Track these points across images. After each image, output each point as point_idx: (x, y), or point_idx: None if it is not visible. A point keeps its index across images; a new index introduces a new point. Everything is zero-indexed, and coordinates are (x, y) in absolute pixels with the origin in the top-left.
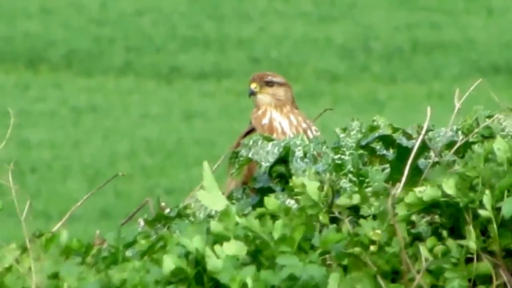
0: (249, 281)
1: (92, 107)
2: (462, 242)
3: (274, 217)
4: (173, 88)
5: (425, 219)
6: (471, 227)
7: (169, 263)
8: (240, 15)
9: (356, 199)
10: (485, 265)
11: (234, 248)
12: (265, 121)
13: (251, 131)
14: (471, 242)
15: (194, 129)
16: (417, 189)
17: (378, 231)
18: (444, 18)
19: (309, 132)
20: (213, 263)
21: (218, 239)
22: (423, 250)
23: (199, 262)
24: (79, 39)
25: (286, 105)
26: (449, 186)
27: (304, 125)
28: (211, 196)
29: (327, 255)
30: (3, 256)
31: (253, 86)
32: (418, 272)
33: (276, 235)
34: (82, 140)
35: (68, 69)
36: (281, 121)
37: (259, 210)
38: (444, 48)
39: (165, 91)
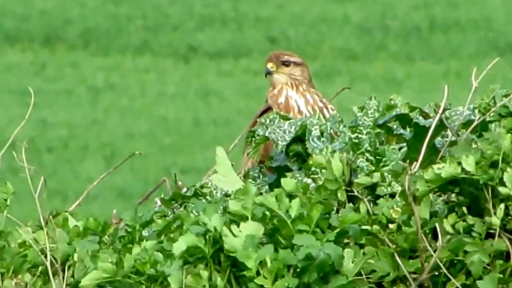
0: (268, 261)
1: (109, 86)
2: (485, 219)
3: (291, 196)
4: (190, 67)
5: (441, 198)
6: (491, 204)
7: (182, 243)
8: None
9: (376, 177)
10: (502, 243)
11: (251, 228)
12: (281, 100)
13: (267, 110)
14: (495, 217)
15: (211, 108)
16: (435, 166)
17: (398, 209)
18: None
19: (325, 111)
20: (230, 242)
21: (236, 218)
22: (446, 224)
23: (216, 241)
24: (96, 18)
25: (302, 84)
26: (469, 163)
27: (320, 104)
28: (226, 179)
29: (345, 235)
30: (19, 236)
31: (270, 65)
32: (435, 251)
33: (293, 214)
34: (99, 119)
35: (85, 48)
36: (297, 99)
37: (277, 190)
38: (462, 26)
39: (182, 70)
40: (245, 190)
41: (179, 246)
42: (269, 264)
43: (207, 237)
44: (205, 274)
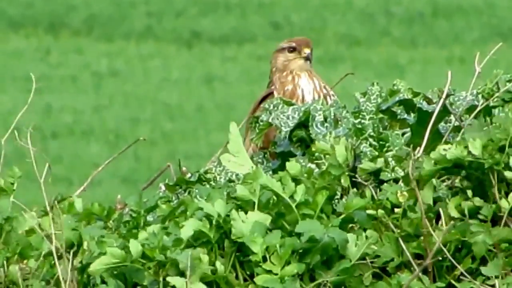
0: (276, 247)
1: (113, 72)
2: (487, 203)
3: (296, 180)
4: (194, 52)
5: (445, 184)
6: (496, 188)
7: (189, 228)
8: None
9: (379, 163)
10: (508, 229)
11: (258, 217)
12: (289, 87)
13: (268, 95)
14: (504, 201)
15: (215, 94)
16: (441, 147)
17: (405, 193)
18: None
19: (328, 98)
20: (239, 226)
21: (242, 203)
22: (450, 208)
23: (220, 226)
24: (100, 4)
25: (312, 70)
26: (475, 147)
27: (324, 91)
28: (236, 160)
29: (350, 220)
30: (24, 221)
31: (309, 50)
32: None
33: (297, 198)
34: (103, 105)
35: (89, 34)
36: (304, 88)
37: (281, 173)
38: (465, 12)
39: (185, 56)
40: (254, 174)
41: (186, 231)
42: (278, 250)
43: (213, 222)
44: (205, 258)
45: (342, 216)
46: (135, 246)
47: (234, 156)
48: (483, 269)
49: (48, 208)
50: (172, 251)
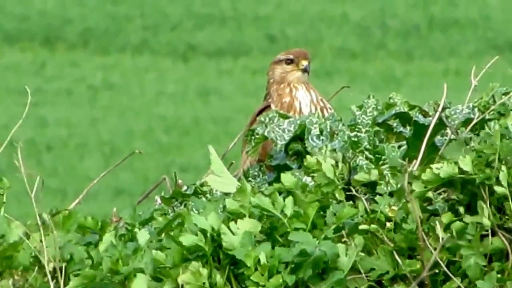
0: (263, 258)
1: (109, 85)
2: (476, 219)
3: (291, 193)
4: (189, 66)
5: (441, 196)
6: (483, 204)
7: (186, 241)
8: None
9: (374, 175)
10: (501, 242)
11: (248, 225)
12: (287, 99)
13: (265, 108)
14: (485, 218)
15: (210, 107)
16: (434, 166)
17: (395, 208)
18: None
19: (325, 111)
20: (229, 239)
21: (234, 216)
22: (439, 228)
23: (215, 239)
24: (96, 17)
25: (309, 82)
26: (466, 163)
27: (321, 104)
28: (221, 179)
29: (342, 232)
30: (11, 231)
31: (307, 63)
32: (434, 249)
33: (288, 212)
34: (98, 118)
35: (85, 47)
36: (302, 100)
37: (276, 185)
38: (461, 25)
39: (181, 69)
40: (241, 189)
41: (186, 243)
42: (264, 260)
43: (207, 235)
44: (204, 271)
45: (333, 226)
46: (106, 262)
47: (218, 176)
48: (478, 283)
49: (39, 222)
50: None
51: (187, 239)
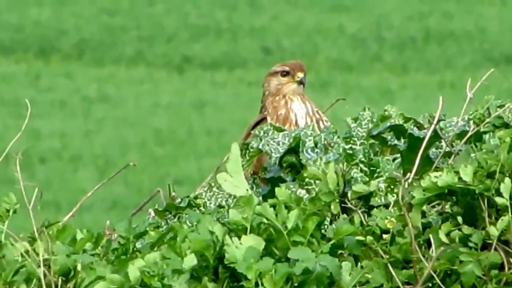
0: (271, 273)
1: (103, 97)
2: (481, 229)
3: (287, 207)
4: (185, 77)
5: (435, 209)
6: (486, 214)
7: (192, 258)
8: (252, 4)
9: (373, 185)
10: (497, 254)
11: (252, 241)
12: (283, 111)
13: (261, 121)
14: (493, 228)
15: (205, 119)
16: (432, 174)
17: (393, 219)
18: (456, 7)
19: (321, 123)
20: (232, 252)
21: (235, 228)
22: (440, 234)
23: (218, 251)
24: (91, 29)
25: (304, 94)
26: (467, 173)
27: (317, 116)
28: (232, 180)
29: (339, 246)
30: (14, 248)
31: (303, 75)
32: (430, 259)
33: (289, 225)
34: (92, 130)
35: (79, 58)
36: (297, 112)
37: (271, 200)
38: (456, 37)
39: (176, 81)
40: (248, 199)
41: (189, 261)
42: (273, 275)
43: (212, 245)
44: (211, 285)
45: (332, 242)
46: (133, 273)
47: (230, 176)
48: None
49: (37, 235)
50: (169, 279)
51: (195, 244)
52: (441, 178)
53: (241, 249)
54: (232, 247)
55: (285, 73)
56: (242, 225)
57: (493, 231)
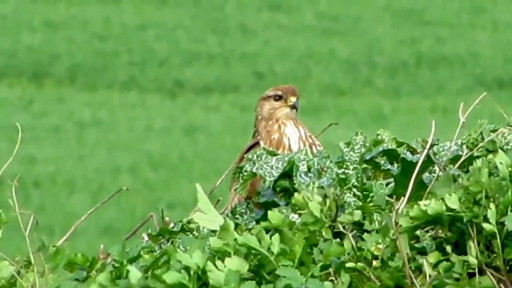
0: None
1: (96, 122)
2: (463, 257)
3: (279, 231)
4: (177, 102)
5: (429, 234)
6: (471, 242)
7: (170, 279)
8: (244, 29)
9: (357, 215)
10: (488, 280)
11: (236, 264)
12: (276, 136)
13: (254, 145)
14: (471, 257)
15: (198, 144)
16: (421, 202)
17: (380, 246)
18: (448, 32)
19: (313, 148)
20: (216, 277)
21: (219, 255)
22: (427, 266)
23: (200, 277)
24: (83, 54)
25: (297, 118)
26: (453, 201)
27: (310, 140)
28: (207, 217)
29: (330, 269)
30: (7, 271)
31: (295, 99)
32: (421, 286)
33: (275, 250)
34: (85, 155)
35: (72, 83)
36: (291, 137)
37: (263, 224)
38: (449, 62)
39: (168, 106)
40: (224, 227)
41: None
42: None
43: (191, 273)
44: None
45: (320, 264)
46: None
47: (205, 213)
48: None
49: (33, 261)
50: None
51: (171, 277)
52: (430, 206)
53: (225, 273)
54: (215, 272)
55: (277, 98)
56: (225, 251)
57: (473, 260)
